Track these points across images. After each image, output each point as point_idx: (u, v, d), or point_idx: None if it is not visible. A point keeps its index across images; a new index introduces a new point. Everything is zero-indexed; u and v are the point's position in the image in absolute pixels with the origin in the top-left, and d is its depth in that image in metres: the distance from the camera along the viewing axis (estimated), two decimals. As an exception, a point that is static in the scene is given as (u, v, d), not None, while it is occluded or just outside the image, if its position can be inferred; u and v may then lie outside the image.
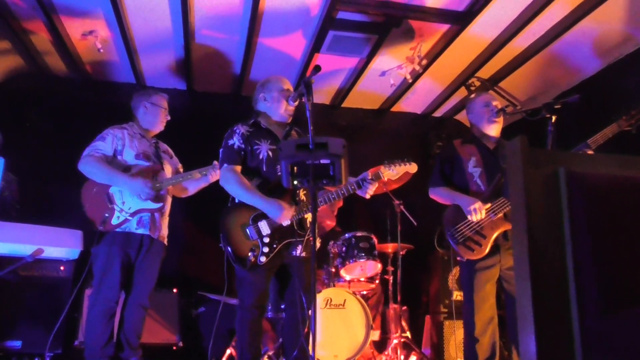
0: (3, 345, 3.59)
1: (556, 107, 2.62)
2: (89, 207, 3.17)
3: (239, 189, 2.85)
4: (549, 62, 4.34)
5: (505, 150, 3.24)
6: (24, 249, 3.07)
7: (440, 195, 3.33)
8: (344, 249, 4.26)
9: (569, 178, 1.48)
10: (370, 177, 2.86)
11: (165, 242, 3.39)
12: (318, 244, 3.10)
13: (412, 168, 3.02)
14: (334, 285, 4.20)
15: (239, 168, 2.90)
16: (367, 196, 2.88)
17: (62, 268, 3.81)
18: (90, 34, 4.14)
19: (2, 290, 3.52)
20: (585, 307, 1.37)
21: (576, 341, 1.36)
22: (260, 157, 2.92)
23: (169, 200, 3.44)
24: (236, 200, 2.91)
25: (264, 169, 2.90)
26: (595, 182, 1.51)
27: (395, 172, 2.95)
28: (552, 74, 4.52)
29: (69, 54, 4.44)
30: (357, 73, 4.74)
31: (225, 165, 2.92)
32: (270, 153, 2.91)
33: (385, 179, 2.95)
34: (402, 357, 4.14)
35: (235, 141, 2.93)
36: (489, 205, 3.09)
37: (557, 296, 1.41)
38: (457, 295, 4.54)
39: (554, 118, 2.62)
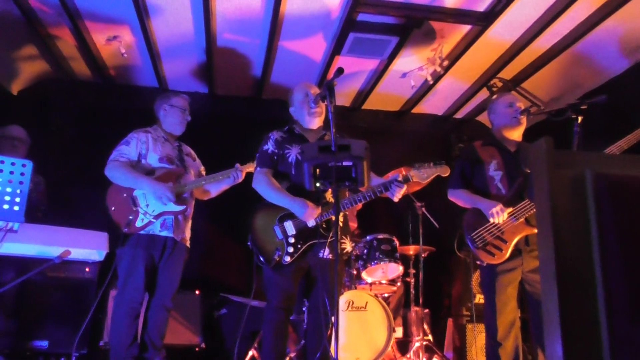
0: (30, 345, 3.65)
1: (582, 107, 2.57)
2: (114, 209, 3.23)
3: (267, 189, 2.91)
4: (572, 62, 4.28)
5: (527, 153, 3.20)
6: (52, 251, 3.13)
7: (459, 197, 3.30)
8: (365, 251, 4.25)
9: (596, 180, 1.46)
10: (398, 180, 2.82)
11: (188, 244, 3.43)
12: (349, 248, 3.07)
13: (444, 171, 2.96)
14: (356, 288, 4.20)
15: (270, 171, 2.98)
16: (396, 199, 2.85)
17: (87, 269, 3.87)
18: (114, 39, 4.22)
19: (30, 291, 3.59)
20: (614, 312, 1.34)
21: (604, 347, 1.34)
22: (290, 160, 2.96)
23: (192, 203, 3.48)
24: (265, 201, 2.94)
25: (293, 172, 2.94)
26: (623, 183, 1.48)
27: (425, 176, 2.92)
28: (576, 74, 4.45)
29: (93, 59, 4.53)
30: (378, 75, 4.74)
31: (258, 168, 3.02)
32: (299, 157, 2.93)
33: (414, 181, 2.92)
34: (424, 360, 4.12)
35: (269, 146, 3.01)
36: (510, 209, 3.05)
37: (584, 301, 1.39)
38: (480, 299, 4.50)
39: (580, 119, 2.58)
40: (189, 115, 3.51)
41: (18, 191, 2.70)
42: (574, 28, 3.84)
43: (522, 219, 3.04)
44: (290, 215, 2.86)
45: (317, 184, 2.37)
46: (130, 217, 3.18)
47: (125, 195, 3.24)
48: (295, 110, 3.13)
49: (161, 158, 3.34)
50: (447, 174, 2.99)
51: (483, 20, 3.80)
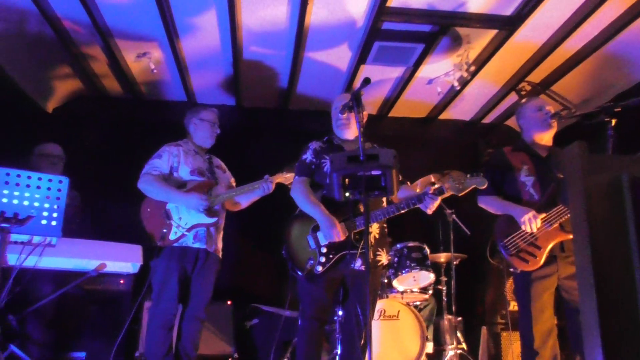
0: (69, 356, 3.74)
1: (616, 110, 2.52)
2: (148, 223, 3.31)
3: (302, 199, 2.95)
4: (603, 63, 4.19)
5: (560, 158, 3.14)
6: (88, 264, 3.20)
7: (490, 204, 3.25)
8: (395, 259, 4.23)
9: (633, 184, 1.43)
10: (431, 192, 2.79)
11: (220, 255, 3.47)
12: (385, 260, 3.05)
13: (481, 183, 2.88)
14: (387, 297, 4.17)
15: (307, 180, 3.02)
16: (429, 212, 2.82)
17: (121, 282, 3.95)
18: (144, 56, 4.33)
19: (68, 304, 3.68)
20: (656, 319, 1.31)
21: (647, 354, 1.31)
22: (325, 170, 2.99)
23: (223, 214, 3.52)
24: (301, 211, 2.98)
25: (327, 182, 2.96)
26: (661, 188, 1.45)
27: (460, 187, 2.86)
28: (607, 75, 4.36)
29: (124, 76, 4.65)
30: (404, 82, 4.73)
31: (296, 177, 3.06)
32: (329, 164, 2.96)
33: (449, 194, 2.86)
34: (459, 369, 4.06)
35: (308, 156, 3.05)
36: (543, 215, 2.99)
37: (624, 308, 1.36)
38: (514, 306, 4.41)
39: (613, 121, 2.52)
40: (218, 128, 3.57)
41: (55, 207, 2.79)
42: (603, 29, 3.78)
43: (556, 225, 2.98)
44: None
45: (347, 194, 2.37)
46: (164, 230, 3.24)
47: (158, 208, 3.31)
48: (333, 121, 3.16)
49: (192, 171, 3.40)
50: (484, 187, 2.91)
51: (510, 24, 3.77)
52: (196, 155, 3.51)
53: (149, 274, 3.27)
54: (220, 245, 3.48)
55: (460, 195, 2.90)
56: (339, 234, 2.78)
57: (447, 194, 2.86)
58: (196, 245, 3.29)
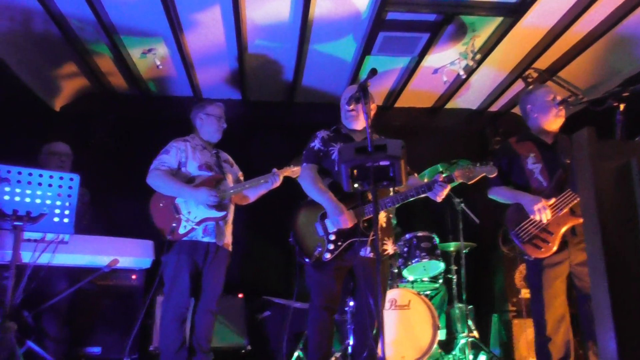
0: (84, 351, 3.80)
1: (624, 95, 2.50)
2: (157, 217, 3.32)
3: (310, 185, 2.96)
4: (611, 47, 4.16)
5: (566, 144, 3.14)
6: (101, 260, 3.24)
7: (500, 194, 3.26)
8: (405, 249, 4.24)
9: (643, 169, 1.43)
10: (441, 180, 2.80)
11: (230, 249, 3.50)
12: (391, 250, 3.07)
13: (491, 171, 2.89)
14: (398, 286, 4.19)
15: (315, 167, 3.04)
16: (439, 199, 2.83)
17: (133, 277, 3.99)
18: (149, 52, 4.34)
19: (82, 299, 3.73)
20: (668, 303, 1.32)
21: (660, 338, 1.31)
22: (333, 157, 3.00)
23: (232, 208, 3.55)
24: (309, 199, 2.99)
25: (336, 169, 2.97)
26: (671, 172, 1.45)
27: (471, 176, 2.87)
28: (614, 60, 4.33)
29: (130, 72, 4.67)
30: (409, 72, 4.72)
31: (304, 164, 3.08)
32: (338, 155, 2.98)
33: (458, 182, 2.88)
34: (471, 357, 4.08)
35: (316, 143, 3.08)
36: (553, 200, 2.99)
37: (636, 293, 1.36)
38: (525, 293, 4.42)
39: (622, 107, 2.50)
40: (224, 122, 3.59)
41: (67, 204, 2.82)
42: (611, 12, 3.74)
43: (566, 210, 2.98)
44: None
45: (355, 185, 2.38)
46: (173, 225, 3.26)
47: (167, 203, 3.33)
48: (341, 113, 3.17)
49: (200, 166, 3.42)
50: (494, 175, 2.92)
51: (515, 11, 3.75)
52: (204, 150, 3.52)
53: (160, 268, 3.29)
54: (229, 239, 3.50)
55: (469, 183, 2.91)
56: (347, 221, 2.79)
57: (456, 182, 2.87)
58: (206, 239, 3.31)
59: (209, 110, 3.56)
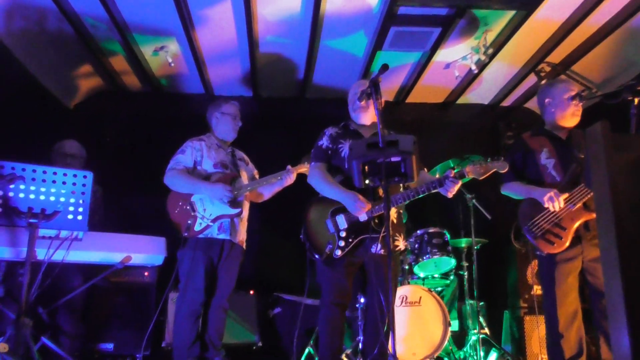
0: (97, 347, 3.84)
1: (639, 88, 2.47)
2: (173, 215, 3.39)
3: (320, 182, 2.98)
4: (625, 40, 4.10)
5: (581, 138, 3.11)
6: (114, 257, 3.27)
7: (513, 190, 3.24)
8: (416, 245, 4.23)
9: (658, 163, 1.41)
10: (452, 176, 2.79)
11: (244, 246, 3.53)
12: (402, 246, 3.06)
13: (502, 167, 2.88)
14: (408, 283, 4.18)
15: (324, 165, 3.05)
16: (450, 195, 2.82)
17: (146, 274, 4.03)
18: (161, 50, 4.36)
19: (95, 296, 3.77)
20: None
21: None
22: (342, 155, 3.01)
23: (247, 205, 3.59)
24: (320, 195, 2.99)
25: (346, 166, 2.98)
26: (687, 166, 1.43)
27: (482, 172, 2.85)
28: (629, 52, 4.26)
29: (142, 70, 4.69)
30: (421, 67, 4.69)
31: (312, 163, 3.09)
32: (349, 151, 2.98)
33: (470, 177, 2.86)
34: (482, 353, 4.06)
35: (324, 141, 3.09)
36: (566, 195, 2.97)
37: (651, 288, 1.34)
38: (537, 290, 4.39)
39: (636, 100, 2.47)
40: (240, 121, 3.62)
41: (81, 201, 2.86)
42: (626, 4, 3.68)
43: (579, 204, 2.96)
44: (342, 209, 2.89)
45: (367, 181, 2.38)
46: (189, 222, 3.32)
47: (183, 201, 3.38)
48: (349, 108, 3.18)
49: (215, 164, 3.46)
50: (505, 170, 2.91)
51: (528, 4, 3.70)
52: (219, 148, 3.56)
53: (176, 265, 3.33)
54: (244, 236, 3.55)
55: (481, 179, 2.89)
56: (364, 205, 2.80)
57: (468, 178, 2.85)
58: (221, 236, 3.36)
59: (224, 109, 3.60)
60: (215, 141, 3.59)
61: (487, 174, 2.88)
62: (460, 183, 2.80)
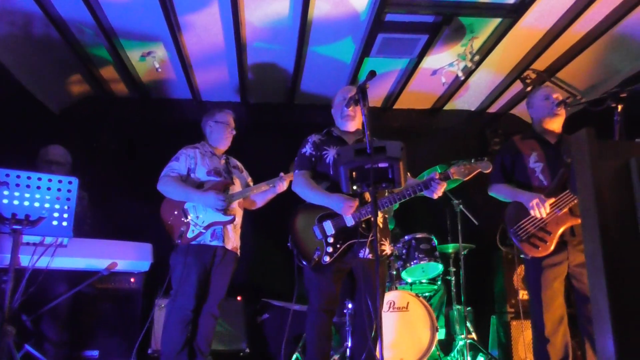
0: (82, 354, 3.79)
1: (622, 95, 2.50)
2: (167, 222, 3.40)
3: (305, 189, 2.97)
4: (609, 47, 4.15)
5: (569, 144, 3.14)
6: (100, 263, 3.24)
7: (500, 192, 3.28)
8: (404, 251, 4.24)
9: (642, 169, 1.43)
10: (437, 178, 2.81)
11: (238, 252, 3.54)
12: (389, 250, 3.07)
13: (486, 167, 2.93)
14: (396, 288, 4.18)
15: (308, 173, 3.05)
16: (435, 197, 2.85)
17: (132, 280, 3.99)
18: (148, 55, 4.34)
19: (81, 303, 3.72)
20: (667, 303, 1.31)
21: (659, 339, 1.30)
22: (327, 161, 3.00)
23: (240, 212, 3.60)
24: (306, 203, 2.99)
25: (331, 173, 2.98)
26: (670, 172, 1.44)
27: (466, 172, 2.89)
28: (613, 59, 4.33)
29: (129, 76, 4.66)
30: (408, 74, 4.72)
31: (296, 171, 3.09)
32: (336, 157, 2.96)
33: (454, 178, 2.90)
34: (469, 358, 4.07)
35: (307, 149, 3.08)
36: (552, 199, 3.00)
37: (635, 294, 1.35)
38: (524, 295, 4.42)
39: (619, 107, 2.51)
40: (234, 129, 3.63)
41: (66, 207, 2.82)
42: (610, 11, 3.72)
43: (565, 209, 2.98)
44: (329, 215, 2.89)
45: (354, 187, 2.38)
46: (182, 229, 3.33)
47: (176, 208, 3.39)
48: (334, 112, 3.18)
49: (209, 171, 3.48)
50: (489, 170, 2.96)
51: (514, 12, 3.74)
52: (213, 156, 3.58)
53: (169, 272, 3.32)
54: (237, 243, 3.55)
55: (465, 179, 2.94)
56: (352, 203, 2.80)
57: (453, 179, 2.89)
58: (214, 243, 3.36)
59: (218, 118, 3.64)
60: (209, 149, 3.62)
61: (472, 175, 2.92)
62: (445, 184, 2.82)
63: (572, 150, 1.56)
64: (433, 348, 3.89)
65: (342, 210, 2.82)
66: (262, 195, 3.63)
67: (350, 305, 3.76)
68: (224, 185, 3.47)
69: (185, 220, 3.35)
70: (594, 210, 1.40)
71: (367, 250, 2.88)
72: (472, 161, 2.91)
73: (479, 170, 2.92)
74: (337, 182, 2.88)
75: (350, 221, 2.85)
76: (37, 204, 2.73)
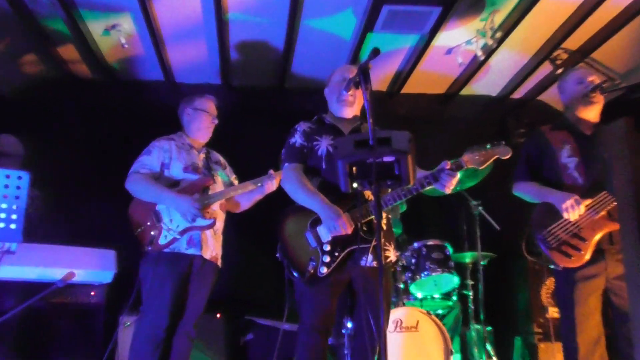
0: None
1: (667, 79, 2.51)
2: (135, 225, 3.32)
3: (296, 188, 2.90)
4: (653, 24, 4.17)
5: (607, 136, 3.14)
6: (54, 273, 3.22)
7: (527, 191, 3.26)
8: (413, 261, 4.24)
9: (690, 165, 1.43)
10: (449, 167, 2.77)
11: (219, 263, 3.49)
12: (394, 257, 3.03)
13: (504, 152, 2.86)
14: (404, 304, 4.18)
15: (300, 166, 2.98)
16: (447, 191, 2.79)
17: (92, 293, 3.98)
18: (113, 29, 4.32)
19: (33, 319, 3.71)
20: None
21: None
22: (319, 153, 2.95)
23: (222, 216, 3.54)
24: (296, 204, 2.94)
25: (324, 167, 2.93)
26: None
27: (482, 159, 2.84)
28: (657, 38, 4.35)
29: (91, 54, 4.65)
30: (418, 53, 4.72)
31: (285, 164, 3.01)
32: (330, 149, 2.93)
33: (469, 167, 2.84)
34: (489, 387, 4.08)
35: (297, 139, 3.02)
36: (588, 201, 2.99)
37: (682, 310, 1.35)
38: (554, 312, 4.43)
39: (665, 93, 2.52)
40: (216, 118, 3.59)
41: (14, 207, 2.79)
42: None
43: (603, 212, 2.98)
44: None
45: (354, 185, 2.36)
46: (152, 234, 3.26)
47: (147, 209, 3.32)
48: (328, 94, 3.14)
49: (186, 167, 3.42)
50: (507, 156, 2.88)
51: (542, -19, 3.75)
52: (191, 149, 3.53)
53: (136, 284, 3.27)
54: (218, 252, 3.49)
55: (481, 167, 2.88)
56: (346, 225, 2.75)
57: (466, 168, 2.84)
58: (190, 251, 3.29)
59: (197, 104, 3.57)
60: (187, 141, 3.55)
61: (488, 162, 2.86)
62: (457, 176, 2.78)
63: (608, 143, 1.56)
64: (446, 374, 3.90)
65: (333, 228, 2.74)
66: (248, 195, 3.57)
67: (349, 324, 3.75)
68: (204, 184, 3.41)
69: (157, 224, 3.29)
70: (633, 212, 1.40)
71: (370, 257, 2.85)
72: (488, 147, 2.84)
73: (497, 156, 2.87)
74: (330, 179, 2.87)
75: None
76: (-21, 204, 2.71)
